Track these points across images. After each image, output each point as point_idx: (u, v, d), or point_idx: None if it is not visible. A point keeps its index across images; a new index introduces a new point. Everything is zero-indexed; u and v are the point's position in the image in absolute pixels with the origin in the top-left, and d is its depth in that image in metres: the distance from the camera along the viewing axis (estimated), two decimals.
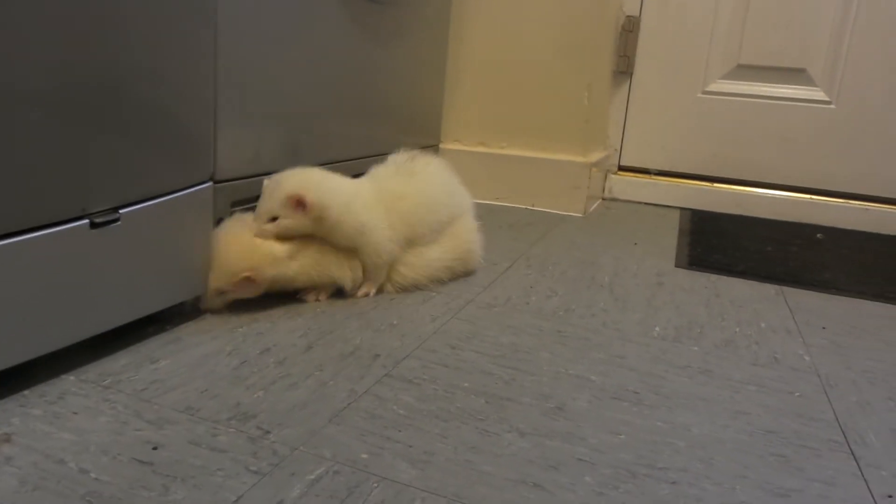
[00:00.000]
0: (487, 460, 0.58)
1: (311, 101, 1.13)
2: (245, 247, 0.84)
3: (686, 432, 0.65)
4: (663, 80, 1.72)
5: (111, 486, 0.51)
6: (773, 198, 1.67)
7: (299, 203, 0.85)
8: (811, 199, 1.66)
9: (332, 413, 0.64)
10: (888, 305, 1.08)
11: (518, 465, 0.58)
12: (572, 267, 1.17)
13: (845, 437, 0.67)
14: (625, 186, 1.77)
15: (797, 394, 0.76)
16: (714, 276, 1.17)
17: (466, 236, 1.05)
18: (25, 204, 0.60)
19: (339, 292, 0.94)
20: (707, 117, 1.71)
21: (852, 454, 0.64)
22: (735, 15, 1.65)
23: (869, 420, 0.71)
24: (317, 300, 0.92)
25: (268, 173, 0.91)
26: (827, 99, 1.62)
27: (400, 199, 0.95)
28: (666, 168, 1.76)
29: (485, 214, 1.47)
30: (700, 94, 1.71)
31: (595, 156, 1.63)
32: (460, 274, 1.06)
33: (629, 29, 1.71)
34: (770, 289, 1.13)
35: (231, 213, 0.92)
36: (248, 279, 0.83)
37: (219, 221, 0.88)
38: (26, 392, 0.64)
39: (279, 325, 0.84)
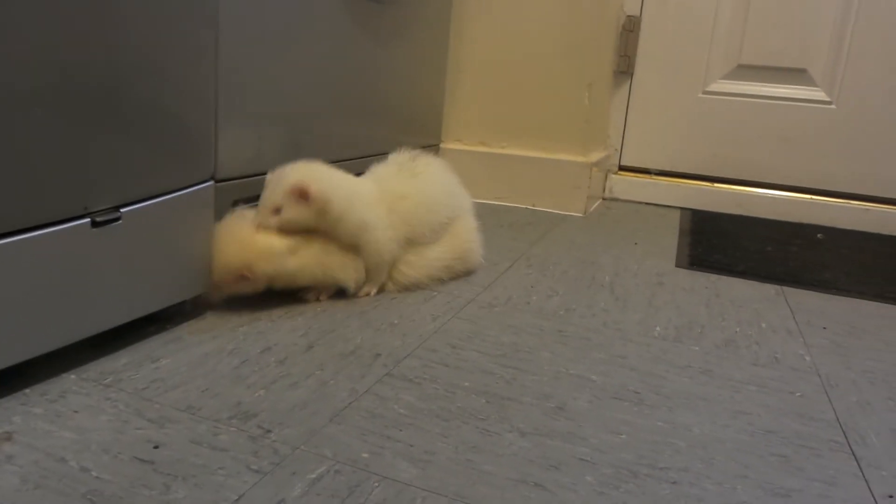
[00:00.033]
0: (488, 460, 0.58)
1: (312, 100, 1.13)
2: (242, 242, 0.84)
3: (687, 432, 0.66)
4: (664, 80, 1.72)
5: (112, 485, 0.52)
6: (774, 198, 1.67)
7: (303, 194, 0.85)
8: (811, 199, 1.66)
9: (332, 412, 0.64)
10: (888, 305, 1.08)
11: (519, 465, 0.58)
12: (573, 267, 1.17)
13: (846, 437, 0.67)
14: (625, 186, 1.77)
15: (798, 394, 0.76)
16: (714, 276, 1.17)
17: (466, 236, 1.05)
18: (27, 203, 0.60)
19: (339, 292, 0.94)
20: (707, 117, 1.71)
21: (853, 454, 0.64)
22: (736, 15, 1.65)
23: (869, 420, 0.71)
24: (317, 300, 0.92)
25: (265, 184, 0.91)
26: (827, 99, 1.62)
27: (401, 199, 0.95)
28: (666, 168, 1.76)
29: (485, 214, 1.47)
30: (701, 94, 1.71)
31: (595, 155, 1.63)
32: (461, 273, 1.06)
33: (630, 29, 1.71)
34: (770, 289, 1.13)
35: (232, 209, 0.91)
36: (244, 275, 0.82)
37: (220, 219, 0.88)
38: (27, 390, 0.64)
39: (280, 324, 0.84)
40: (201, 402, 0.64)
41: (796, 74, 1.63)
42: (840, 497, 0.57)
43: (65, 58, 0.60)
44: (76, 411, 0.61)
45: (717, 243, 1.40)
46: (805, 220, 1.65)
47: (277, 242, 0.85)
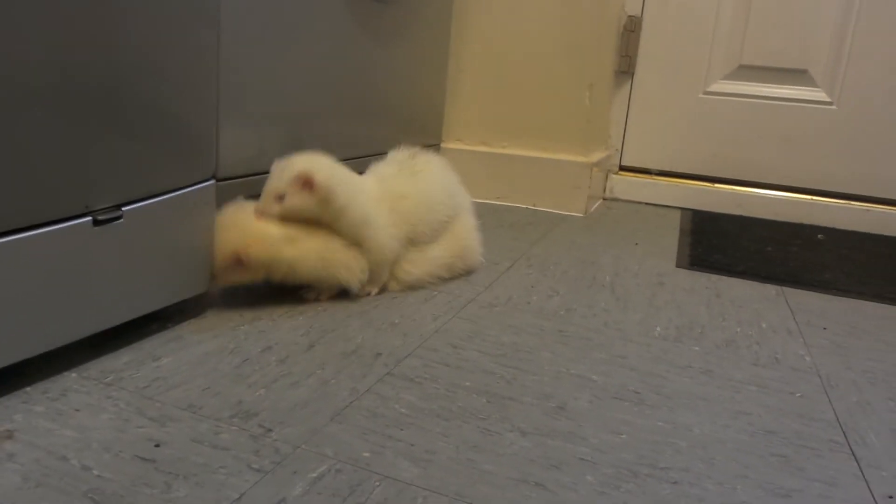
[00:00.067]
0: (489, 459, 0.59)
1: (313, 99, 1.13)
2: (238, 226, 0.84)
3: (687, 432, 0.66)
4: (665, 81, 1.72)
5: (113, 484, 0.52)
6: (774, 198, 1.67)
7: (307, 182, 0.85)
8: (812, 199, 1.66)
9: (333, 411, 0.64)
10: (888, 306, 1.09)
11: (520, 465, 0.58)
12: (573, 267, 1.17)
13: (846, 437, 0.67)
14: (626, 186, 1.77)
15: (798, 394, 0.76)
16: (715, 277, 1.17)
17: (465, 234, 1.05)
18: (28, 201, 0.60)
19: (340, 291, 0.94)
20: (708, 118, 1.71)
21: (853, 454, 0.64)
22: (737, 15, 1.65)
23: (869, 420, 0.71)
24: (317, 300, 0.92)
25: (269, 172, 0.91)
26: (828, 100, 1.62)
27: (402, 198, 0.96)
28: (667, 168, 1.76)
29: (486, 214, 1.48)
30: (701, 95, 1.71)
31: (596, 156, 1.63)
32: (461, 272, 1.06)
33: (631, 29, 1.71)
34: (771, 289, 1.13)
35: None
36: (238, 259, 0.82)
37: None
38: (28, 389, 0.64)
39: (281, 323, 0.84)
40: (202, 400, 0.64)
41: (797, 75, 1.63)
42: (840, 497, 0.57)
43: (66, 57, 0.60)
44: (77, 410, 0.61)
45: (717, 244, 1.40)
46: (805, 221, 1.65)
47: (275, 229, 0.85)
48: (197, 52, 0.75)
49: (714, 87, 1.70)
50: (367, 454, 0.58)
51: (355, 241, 0.90)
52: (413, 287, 0.99)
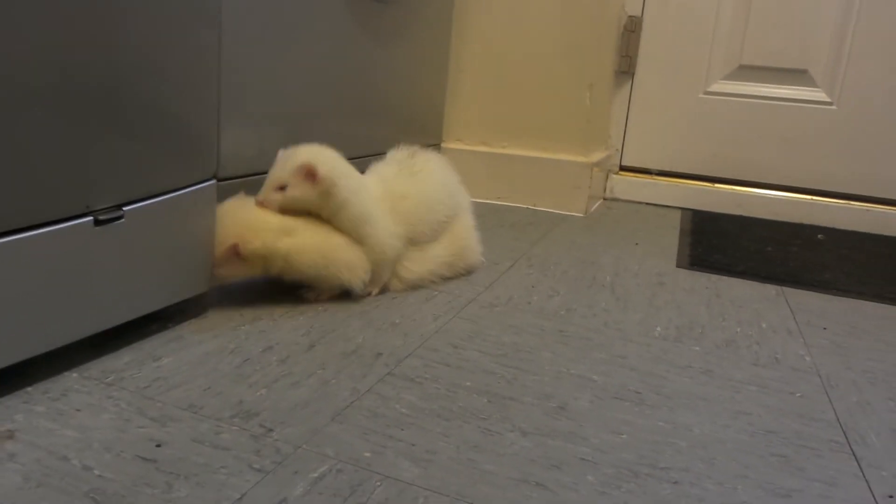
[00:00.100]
0: (490, 459, 0.59)
1: (313, 100, 1.13)
2: (236, 220, 0.84)
3: (687, 432, 0.66)
4: (665, 81, 1.72)
5: (114, 484, 0.52)
6: (774, 198, 1.67)
7: (310, 173, 0.85)
8: (812, 199, 1.66)
9: (334, 411, 0.64)
10: (889, 306, 1.09)
11: (520, 465, 0.58)
12: (573, 267, 1.18)
13: (846, 437, 0.67)
14: (626, 186, 1.77)
15: (798, 394, 0.76)
16: (715, 277, 1.18)
17: (465, 234, 1.05)
18: (29, 201, 0.60)
19: (341, 291, 0.94)
20: (708, 118, 1.71)
21: (853, 454, 0.64)
22: (737, 15, 1.65)
23: (870, 420, 0.71)
24: (317, 300, 0.92)
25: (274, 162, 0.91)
26: (828, 100, 1.62)
27: (402, 198, 0.96)
28: (667, 168, 1.76)
29: (486, 214, 1.48)
30: (701, 95, 1.71)
31: (596, 156, 1.63)
32: (461, 271, 1.06)
33: (631, 29, 1.71)
34: (771, 289, 1.13)
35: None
36: (236, 252, 0.82)
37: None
38: (29, 389, 0.64)
39: (281, 323, 0.84)
40: (203, 400, 0.64)
41: (797, 75, 1.63)
42: (840, 497, 0.57)
43: (66, 57, 0.60)
44: (78, 410, 0.61)
45: (717, 244, 1.40)
46: (805, 221, 1.65)
47: (273, 221, 0.85)
48: (198, 52, 0.75)
49: (714, 87, 1.70)
50: (367, 454, 0.58)
51: (355, 238, 0.90)
52: (415, 285, 0.99)
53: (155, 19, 0.68)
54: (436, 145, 1.65)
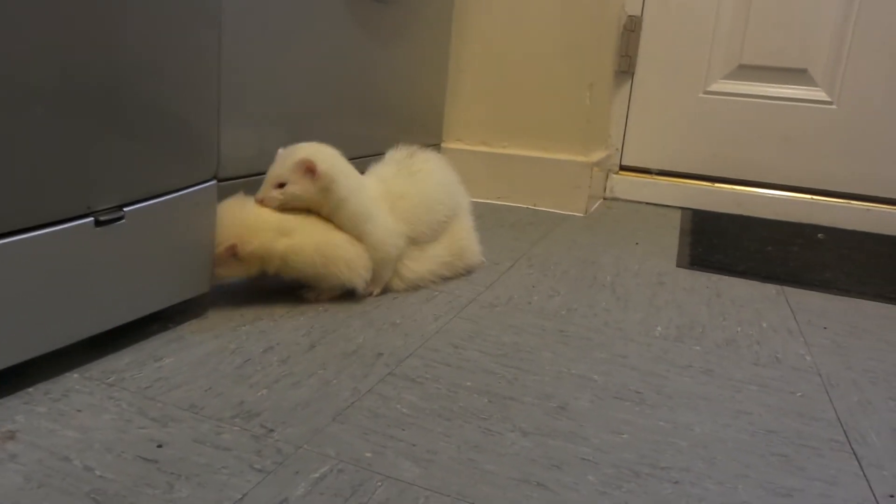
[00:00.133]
0: (490, 459, 0.59)
1: (313, 100, 1.13)
2: (233, 218, 0.84)
3: (688, 432, 0.66)
4: (665, 80, 1.72)
5: (116, 484, 0.52)
6: (774, 198, 1.67)
7: (309, 169, 0.85)
8: (812, 199, 1.66)
9: (335, 412, 0.64)
10: (889, 305, 1.09)
11: (521, 465, 0.58)
12: (574, 266, 1.18)
13: (847, 436, 0.67)
14: (626, 186, 1.77)
15: (799, 393, 0.76)
16: (715, 276, 1.18)
17: (464, 234, 1.05)
18: (30, 202, 0.60)
19: (341, 292, 0.94)
20: (708, 117, 1.71)
21: (854, 454, 0.64)
22: (737, 15, 1.65)
23: (870, 420, 0.71)
24: (317, 300, 0.92)
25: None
26: (828, 99, 1.62)
27: (400, 198, 0.96)
28: (667, 168, 1.76)
29: (486, 214, 1.48)
30: (701, 94, 1.71)
31: (596, 155, 1.63)
32: (460, 271, 1.06)
33: (631, 28, 1.71)
34: (771, 289, 1.13)
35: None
36: (234, 253, 0.82)
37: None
38: (30, 389, 0.64)
39: (282, 323, 0.84)
40: (204, 401, 0.65)
41: (797, 74, 1.63)
42: (841, 496, 0.57)
43: (66, 57, 0.60)
44: (79, 410, 0.61)
45: (717, 243, 1.40)
46: (806, 221, 1.65)
47: (270, 220, 0.85)
48: (198, 52, 0.75)
49: (714, 87, 1.70)
50: (368, 454, 0.58)
51: (356, 236, 0.90)
52: (416, 285, 0.99)
53: (155, 19, 0.68)
54: (436, 145, 1.65)
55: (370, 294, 0.95)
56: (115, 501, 0.50)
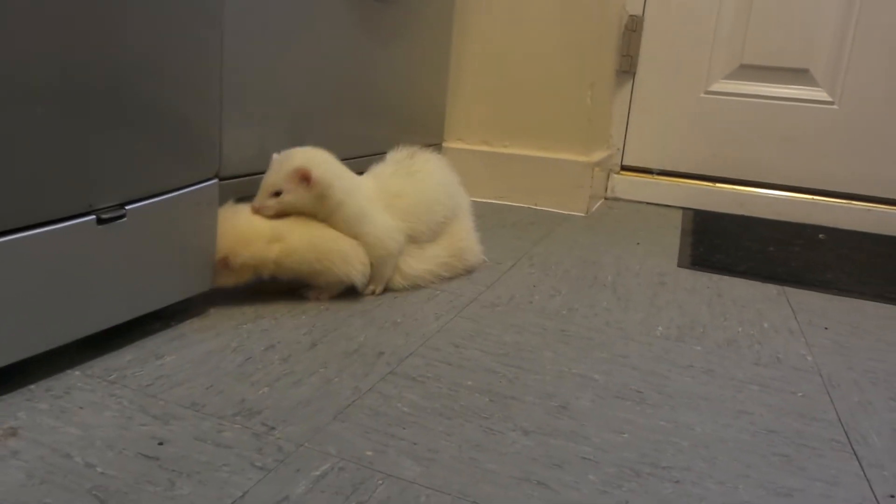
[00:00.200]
0: (492, 458, 0.59)
1: (314, 99, 1.13)
2: (225, 229, 0.83)
3: (689, 431, 0.66)
4: (666, 80, 1.72)
5: (117, 481, 0.52)
6: (776, 198, 1.67)
7: (304, 177, 0.85)
8: (813, 199, 1.66)
9: (336, 410, 0.64)
10: (890, 306, 1.09)
11: (522, 464, 0.58)
12: (575, 266, 1.18)
13: (847, 436, 0.67)
14: (627, 186, 1.77)
15: (799, 394, 0.76)
16: (716, 276, 1.18)
17: (463, 234, 1.05)
18: (31, 200, 0.60)
19: (342, 291, 0.94)
20: (709, 117, 1.71)
21: (854, 454, 0.64)
22: (738, 15, 1.65)
23: (871, 420, 0.71)
24: (318, 299, 0.92)
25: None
26: (829, 99, 1.62)
27: (398, 197, 0.96)
28: (668, 168, 1.76)
29: (487, 213, 1.48)
30: (703, 94, 1.71)
31: (597, 155, 1.63)
32: (460, 272, 1.06)
33: (632, 28, 1.71)
34: (772, 289, 1.13)
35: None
36: (226, 264, 0.82)
37: None
38: (32, 387, 0.64)
39: (283, 322, 0.84)
40: (205, 399, 0.65)
41: (798, 74, 1.63)
42: (842, 497, 0.57)
43: (67, 57, 0.60)
44: (81, 407, 0.61)
45: (718, 243, 1.40)
46: (807, 221, 1.65)
47: (262, 229, 0.85)
48: (199, 52, 0.75)
49: (715, 87, 1.70)
50: (369, 453, 0.58)
51: (353, 237, 0.90)
52: (416, 283, 0.99)
53: (156, 19, 0.68)
54: (437, 145, 1.65)
55: (372, 293, 0.95)
56: (117, 498, 0.50)
